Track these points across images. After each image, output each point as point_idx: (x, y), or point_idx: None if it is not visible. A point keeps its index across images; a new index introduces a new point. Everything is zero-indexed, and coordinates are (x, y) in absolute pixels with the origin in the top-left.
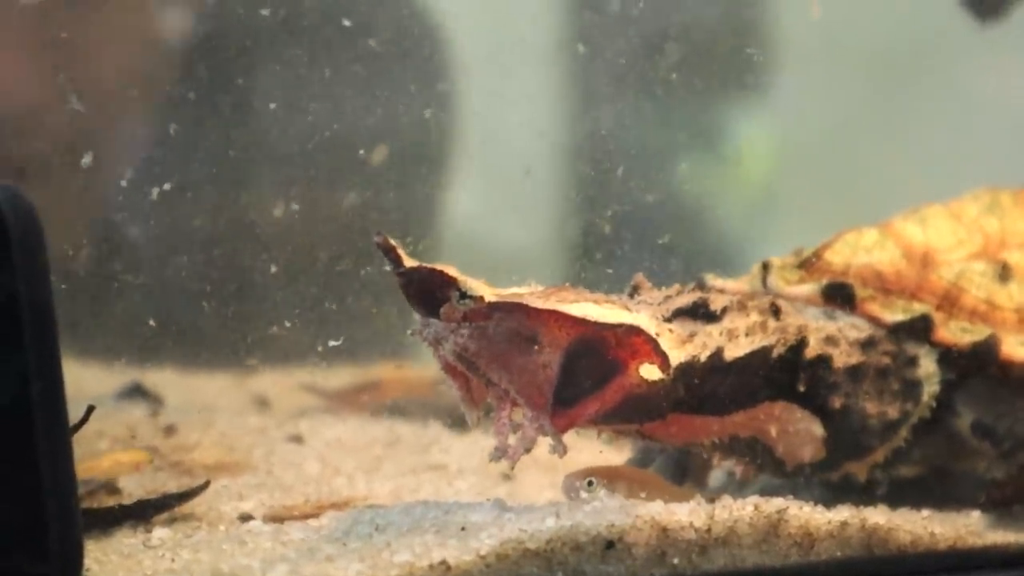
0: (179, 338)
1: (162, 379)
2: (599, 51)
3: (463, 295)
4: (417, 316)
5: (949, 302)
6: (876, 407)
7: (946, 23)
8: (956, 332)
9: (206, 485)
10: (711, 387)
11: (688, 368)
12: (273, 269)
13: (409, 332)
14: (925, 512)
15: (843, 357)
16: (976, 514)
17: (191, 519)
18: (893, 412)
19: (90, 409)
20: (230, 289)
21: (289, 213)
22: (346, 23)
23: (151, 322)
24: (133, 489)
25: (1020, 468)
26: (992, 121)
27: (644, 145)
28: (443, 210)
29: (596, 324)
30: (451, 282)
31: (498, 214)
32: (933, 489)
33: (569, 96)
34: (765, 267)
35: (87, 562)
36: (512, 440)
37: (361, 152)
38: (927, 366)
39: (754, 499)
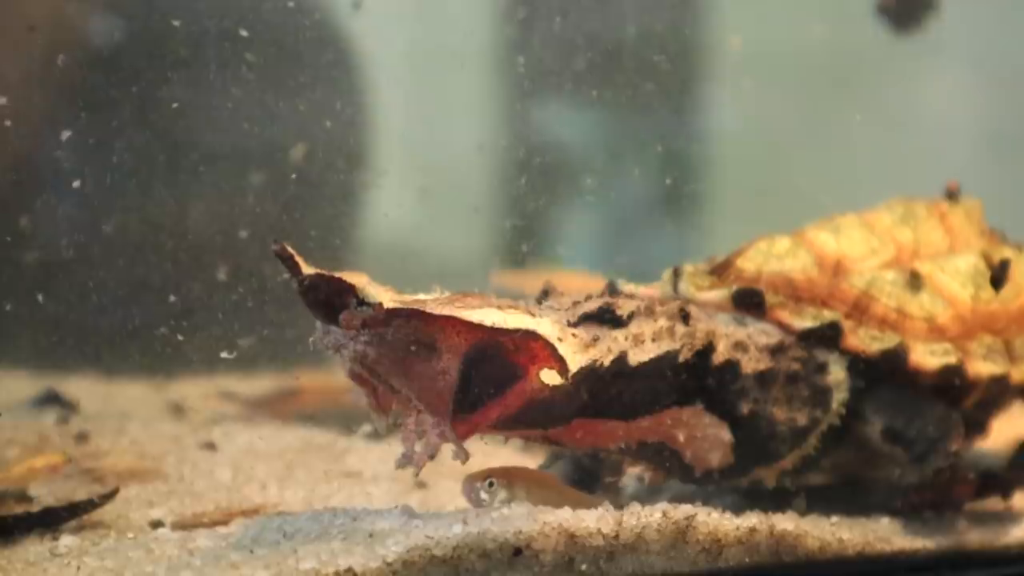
0: (98, 345)
1: (81, 387)
2: (531, 60)
3: (360, 302)
4: (318, 324)
5: (859, 310)
6: (785, 413)
7: (868, 34)
8: (865, 339)
9: (115, 493)
10: (616, 392)
11: (591, 373)
12: (194, 275)
13: (310, 340)
14: (834, 518)
15: (752, 363)
16: (885, 520)
17: (100, 527)
18: (802, 419)
19: None
20: (150, 295)
21: (207, 218)
22: (257, 31)
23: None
24: (44, 497)
25: (937, 472)
26: (911, 129)
27: (575, 151)
28: (365, 215)
29: (493, 329)
30: (349, 289)
31: (431, 218)
32: (845, 497)
33: (502, 102)
34: (676, 273)
35: None
36: (418, 447)
37: (281, 156)
38: (836, 373)
39: (662, 506)
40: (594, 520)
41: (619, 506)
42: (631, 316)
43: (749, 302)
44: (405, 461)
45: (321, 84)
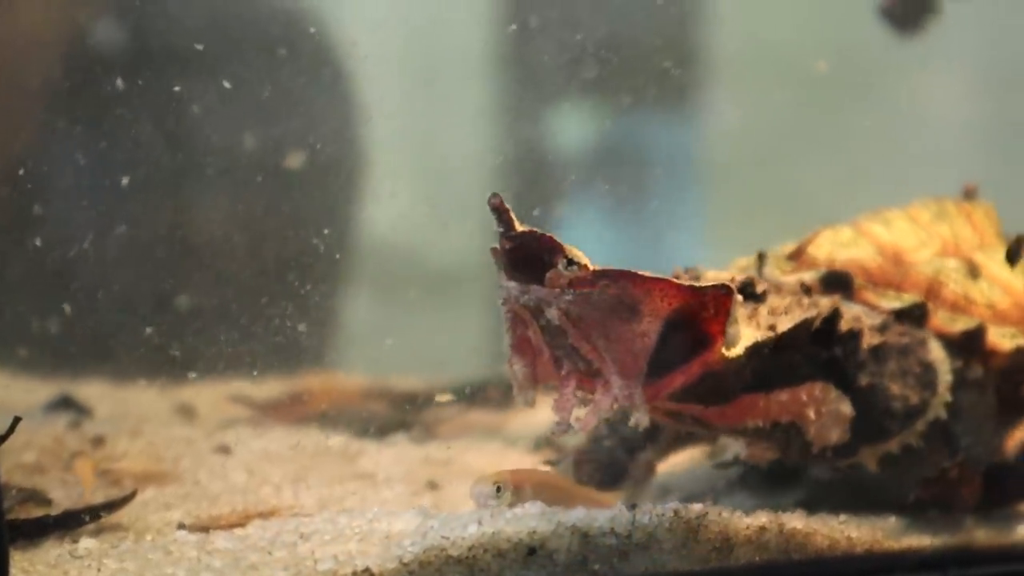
0: (109, 350)
1: (94, 391)
2: (531, 66)
3: (570, 262)
4: (508, 284)
5: (932, 295)
6: (900, 388)
7: (871, 37)
8: (946, 320)
9: (133, 495)
10: (764, 366)
11: (755, 347)
12: (201, 280)
13: (500, 301)
14: (842, 516)
15: (868, 337)
16: (893, 518)
17: (118, 529)
18: (915, 397)
19: (16, 420)
20: (160, 300)
21: (214, 223)
22: (250, 38)
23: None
24: (62, 500)
25: (959, 466)
26: (917, 132)
27: (575, 155)
28: (363, 220)
29: (695, 288)
30: (559, 249)
31: (430, 224)
32: (853, 494)
33: (501, 105)
34: (761, 257)
35: (13, 572)
36: (578, 412)
37: (284, 162)
38: (936, 351)
39: (674, 504)
40: (607, 519)
41: (630, 506)
42: (765, 292)
43: (838, 284)
44: (561, 428)
45: (318, 90)
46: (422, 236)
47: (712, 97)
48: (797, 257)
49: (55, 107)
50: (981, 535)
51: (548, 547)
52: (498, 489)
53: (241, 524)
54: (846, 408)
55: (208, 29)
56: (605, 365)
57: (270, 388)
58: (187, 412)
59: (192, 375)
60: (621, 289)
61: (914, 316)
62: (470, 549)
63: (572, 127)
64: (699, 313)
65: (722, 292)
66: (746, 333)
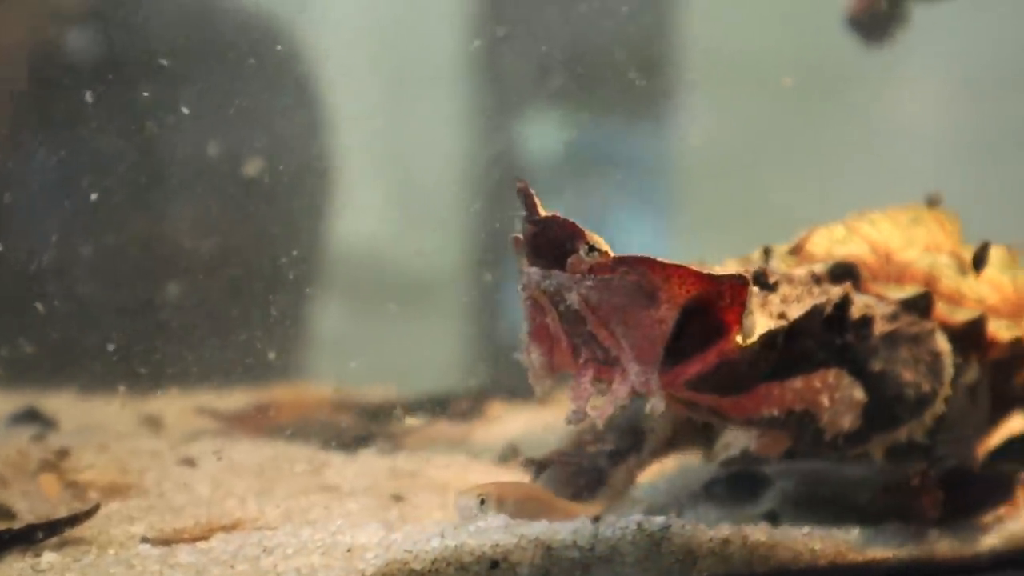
0: (76, 361)
1: (60, 403)
2: (503, 74)
3: (591, 248)
4: (530, 269)
5: (930, 288)
6: (912, 376)
7: (842, 46)
8: (948, 311)
9: (96, 509)
10: (778, 355)
11: (769, 336)
12: (169, 290)
13: (520, 287)
14: (806, 529)
15: (880, 324)
16: (856, 530)
17: (81, 543)
18: (926, 385)
19: None
20: (127, 311)
21: (182, 233)
22: (218, 47)
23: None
24: (25, 513)
25: (921, 475)
26: (885, 139)
27: (546, 161)
28: (333, 230)
29: (713, 277)
30: (580, 235)
31: (403, 229)
32: (818, 505)
33: (473, 112)
34: (767, 252)
35: None
36: (594, 402)
37: (252, 171)
38: (942, 342)
39: (637, 517)
40: (570, 532)
41: (594, 519)
42: (777, 282)
43: (846, 275)
44: (578, 416)
45: (286, 99)
46: (393, 245)
47: (682, 106)
48: (797, 253)
49: (20, 117)
50: (944, 546)
51: (511, 560)
52: (482, 502)
53: (204, 537)
54: (859, 394)
55: (175, 38)
56: (623, 352)
57: (237, 399)
58: (153, 424)
59: (159, 387)
60: (640, 275)
61: (920, 306)
62: (433, 563)
63: (543, 135)
64: (716, 301)
65: (738, 282)
66: (760, 322)
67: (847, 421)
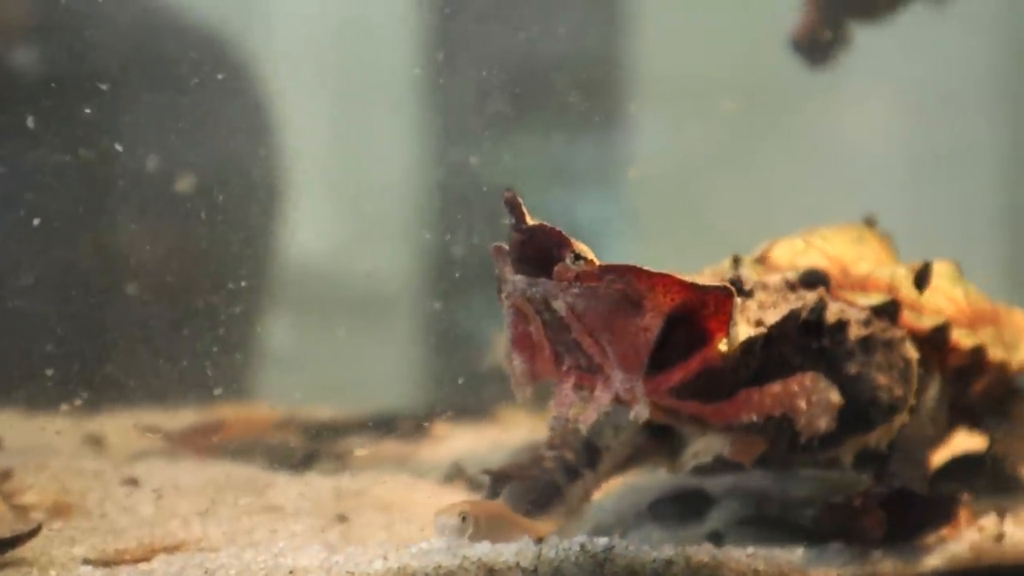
0: (19, 379)
1: (2, 422)
2: (456, 88)
3: (577, 256)
4: (515, 277)
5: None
6: (886, 380)
7: (788, 68)
8: (914, 317)
9: (38, 529)
10: (757, 361)
11: (750, 344)
12: (115, 308)
13: (504, 294)
14: (749, 549)
15: (854, 329)
16: (800, 550)
17: (22, 564)
18: (898, 390)
19: None
20: (72, 328)
21: (127, 249)
22: (166, 62)
23: None
24: None
25: (863, 495)
26: (827, 157)
27: (497, 177)
28: (284, 246)
29: (700, 288)
30: (567, 243)
31: (353, 245)
32: (762, 526)
33: (427, 131)
34: (736, 260)
35: None
36: (574, 409)
37: (197, 186)
38: (911, 349)
39: (581, 538)
40: (513, 554)
41: (537, 540)
42: (752, 289)
43: (817, 281)
44: (559, 422)
45: (235, 115)
46: (343, 263)
47: (633, 126)
48: (762, 263)
49: None
50: (887, 567)
51: None
52: (463, 519)
53: (146, 559)
54: (835, 396)
55: (123, 54)
56: (607, 360)
57: (183, 419)
58: (97, 443)
59: (104, 406)
60: (626, 284)
61: (889, 312)
62: None
63: (496, 152)
64: (700, 310)
65: (723, 292)
66: (740, 329)
67: (823, 423)
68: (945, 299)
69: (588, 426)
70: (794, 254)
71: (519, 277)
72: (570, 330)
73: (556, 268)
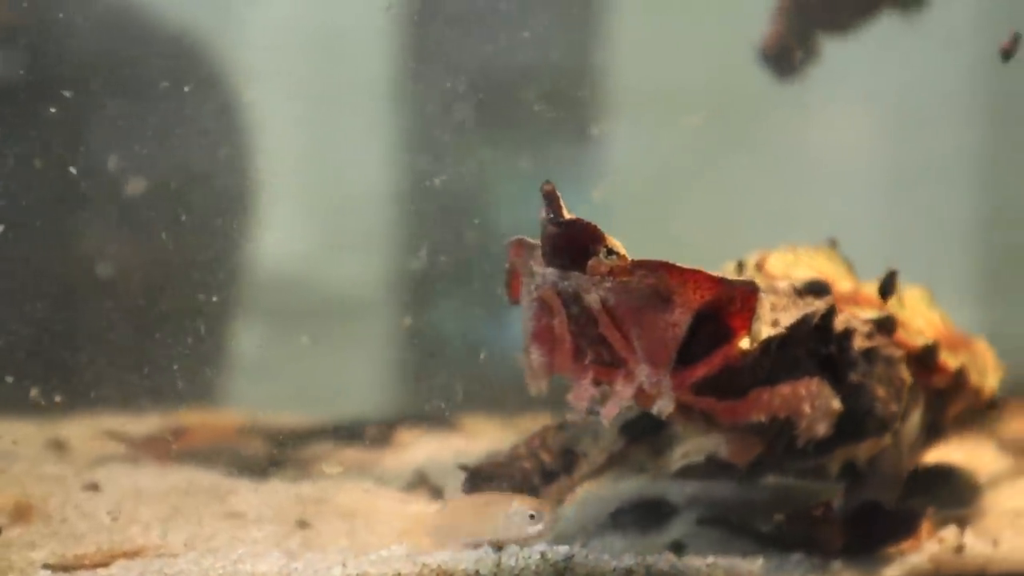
0: None
1: None
2: (428, 97)
3: (610, 251)
4: (546, 270)
5: None
6: (884, 392)
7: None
8: (907, 335)
9: None
10: (770, 362)
11: (768, 343)
12: (81, 312)
13: (533, 287)
14: (709, 559)
15: (858, 340)
16: (761, 560)
17: None
18: (893, 406)
19: None
20: (37, 331)
21: (92, 252)
22: (134, 64)
23: None
24: None
25: (824, 506)
26: (797, 170)
27: (468, 186)
28: (253, 252)
29: (726, 282)
30: (601, 237)
31: (325, 253)
32: (723, 536)
33: (399, 138)
34: (740, 265)
35: None
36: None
37: (165, 190)
38: (907, 373)
39: (541, 546)
40: (473, 561)
41: (497, 548)
42: (763, 292)
43: (820, 291)
44: (578, 415)
45: (206, 119)
46: (312, 269)
47: (608, 134)
48: (760, 271)
49: None
50: None
51: None
52: (532, 516)
53: (105, 564)
54: (836, 403)
55: (94, 55)
56: (632, 355)
57: (147, 424)
58: (60, 447)
59: (68, 411)
60: (658, 279)
61: (888, 327)
62: None
63: (467, 159)
64: (726, 307)
65: (750, 288)
66: (760, 327)
67: (822, 428)
68: (925, 321)
69: (609, 420)
70: (787, 265)
71: (551, 270)
72: (596, 324)
73: (590, 263)
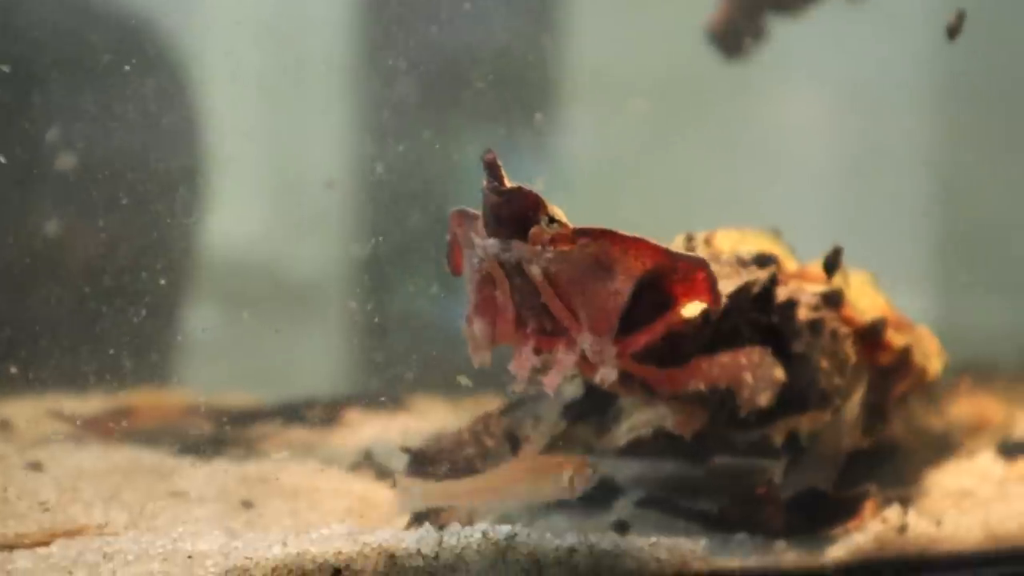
0: None
1: None
2: (389, 80)
3: (551, 219)
4: (488, 241)
5: None
6: (828, 365)
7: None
8: (854, 311)
9: None
10: (713, 331)
11: (707, 312)
12: (28, 292)
13: (477, 258)
14: (653, 538)
15: (804, 311)
16: (704, 540)
17: None
18: (837, 379)
19: None
20: None
21: (40, 233)
22: (85, 45)
23: None
24: None
25: (768, 485)
26: (748, 154)
27: (426, 171)
28: (207, 233)
29: (672, 255)
30: (543, 206)
31: (282, 236)
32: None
33: (358, 121)
34: (689, 238)
35: None
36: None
37: (114, 171)
38: (851, 350)
39: (483, 526)
40: (415, 540)
41: (439, 528)
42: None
43: (769, 263)
44: (519, 385)
45: (154, 97)
46: (267, 250)
47: (565, 118)
48: (708, 245)
49: None
50: (791, 557)
51: (353, 568)
52: (570, 479)
53: (45, 543)
54: (779, 373)
55: (44, 38)
56: (575, 324)
57: (94, 404)
58: (3, 427)
59: (12, 390)
60: (600, 248)
61: (835, 302)
62: (273, 570)
63: (429, 142)
64: (668, 276)
65: (694, 262)
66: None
67: (764, 399)
68: (870, 302)
69: (552, 389)
70: (733, 242)
71: (492, 241)
72: (539, 294)
73: (532, 231)
